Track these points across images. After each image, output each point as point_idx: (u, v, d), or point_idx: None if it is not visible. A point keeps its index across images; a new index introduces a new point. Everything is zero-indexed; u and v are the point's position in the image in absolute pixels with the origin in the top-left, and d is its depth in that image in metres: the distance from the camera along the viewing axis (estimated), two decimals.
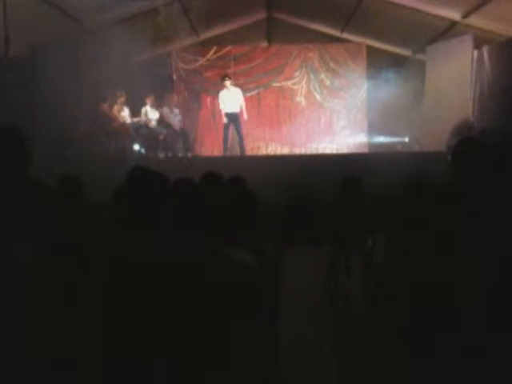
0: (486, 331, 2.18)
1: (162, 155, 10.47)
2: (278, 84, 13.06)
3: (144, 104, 10.60)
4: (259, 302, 2.04)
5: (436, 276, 2.36)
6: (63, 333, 1.85)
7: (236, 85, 11.40)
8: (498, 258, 2.28)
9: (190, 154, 11.12)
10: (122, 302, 1.87)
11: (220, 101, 10.85)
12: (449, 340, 2.26)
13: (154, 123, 10.55)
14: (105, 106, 10.16)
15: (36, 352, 1.81)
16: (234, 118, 10.63)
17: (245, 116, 10.71)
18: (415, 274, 2.45)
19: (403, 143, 13.12)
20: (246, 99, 11.43)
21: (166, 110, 10.80)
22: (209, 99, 12.93)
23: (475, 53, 10.37)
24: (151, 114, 10.59)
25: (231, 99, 10.69)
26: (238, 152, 11.02)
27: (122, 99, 10.37)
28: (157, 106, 10.76)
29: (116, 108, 10.29)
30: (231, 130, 10.76)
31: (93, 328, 1.86)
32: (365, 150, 12.74)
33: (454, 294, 2.29)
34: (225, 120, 10.74)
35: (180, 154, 10.87)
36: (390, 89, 12.08)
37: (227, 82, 10.73)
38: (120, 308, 1.87)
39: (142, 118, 10.51)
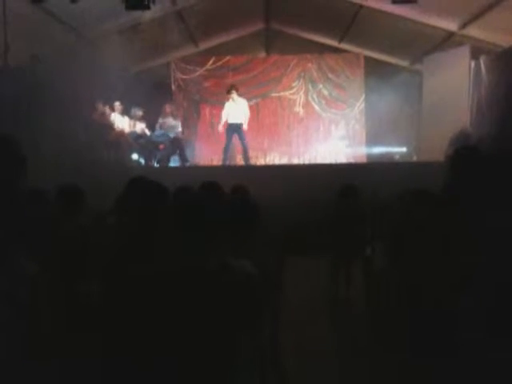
0: (487, 336, 2.19)
1: (161, 165, 10.46)
2: (277, 94, 13.11)
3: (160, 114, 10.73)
4: (261, 311, 2.04)
5: (438, 282, 2.37)
6: (65, 342, 1.85)
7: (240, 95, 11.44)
8: (498, 263, 2.29)
9: (188, 164, 11.11)
10: (123, 312, 1.87)
11: (224, 111, 10.81)
12: (450, 345, 2.26)
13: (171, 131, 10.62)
14: (101, 116, 10.19)
15: (37, 362, 1.81)
16: (236, 128, 10.60)
17: (244, 126, 10.70)
18: (417, 281, 2.46)
19: (401, 153, 13.15)
20: None
21: (168, 120, 10.79)
22: (207, 109, 12.99)
23: (472, 63, 10.42)
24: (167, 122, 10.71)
25: (236, 110, 10.67)
26: (239, 162, 11.02)
27: (119, 109, 10.41)
28: (159, 116, 10.83)
29: (113, 117, 10.32)
30: (233, 140, 10.77)
31: (94, 338, 1.86)
32: (363, 160, 12.76)
33: (456, 300, 2.29)
34: (219, 129, 10.83)
35: (179, 164, 10.87)
36: (387, 99, 12.12)
37: (233, 94, 10.72)
38: (121, 318, 1.87)
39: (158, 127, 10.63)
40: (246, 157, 10.73)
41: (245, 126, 10.68)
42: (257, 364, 2.11)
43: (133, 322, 1.88)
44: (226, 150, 10.68)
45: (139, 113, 10.63)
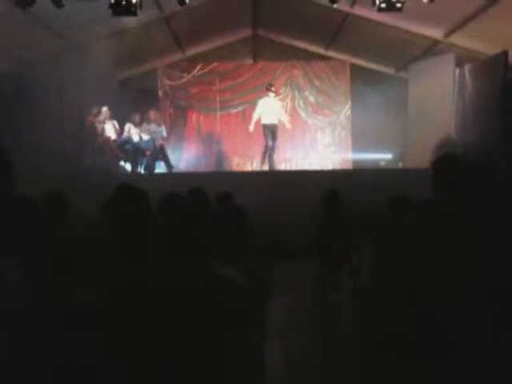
0: (483, 343, 2.21)
1: (148, 171, 10.43)
2: None
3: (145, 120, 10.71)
4: (250, 318, 2.04)
5: (425, 289, 2.39)
6: (54, 349, 1.84)
7: (223, 100, 11.44)
8: (483, 269, 2.32)
9: (174, 170, 11.08)
10: (114, 321, 1.86)
11: (257, 110, 10.78)
12: (438, 351, 2.28)
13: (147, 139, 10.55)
14: (87, 122, 10.15)
15: (29, 372, 1.79)
16: (272, 129, 10.63)
17: (287, 125, 10.80)
18: (403, 288, 2.48)
19: (387, 160, 13.25)
20: (231, 116, 11.48)
21: (152, 126, 10.75)
22: (194, 115, 12.99)
23: (457, 71, 10.56)
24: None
25: (270, 110, 10.67)
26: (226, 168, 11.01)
27: (106, 115, 10.37)
28: (144, 122, 10.77)
29: (100, 124, 10.28)
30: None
31: (85, 346, 1.85)
32: (349, 166, 12.83)
33: (448, 305, 2.31)
34: (251, 128, 10.81)
35: (165, 171, 10.84)
36: (373, 106, 12.20)
37: (270, 92, 10.75)
38: (113, 326, 1.86)
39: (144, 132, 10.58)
40: (271, 158, 10.67)
41: (287, 125, 10.79)
42: (245, 368, 2.11)
43: (124, 329, 1.87)
44: (266, 152, 10.68)
45: (133, 118, 10.60)
